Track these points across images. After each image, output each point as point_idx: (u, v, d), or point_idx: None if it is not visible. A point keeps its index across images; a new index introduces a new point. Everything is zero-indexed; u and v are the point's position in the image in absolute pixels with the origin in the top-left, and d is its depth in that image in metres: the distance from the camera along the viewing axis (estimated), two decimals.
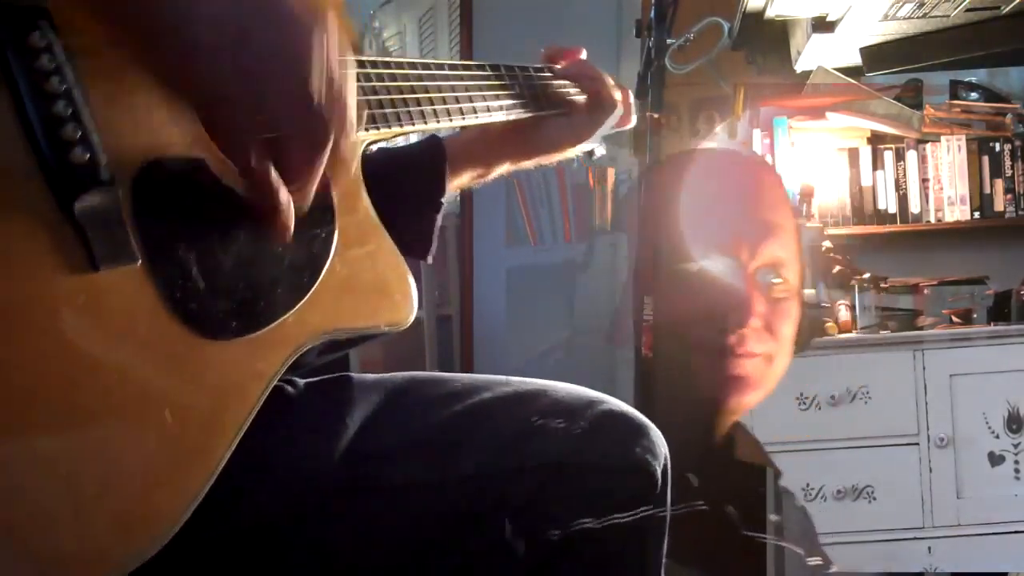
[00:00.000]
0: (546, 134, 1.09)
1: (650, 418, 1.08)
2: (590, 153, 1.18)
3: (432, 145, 1.07)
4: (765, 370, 1.12)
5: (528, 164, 1.14)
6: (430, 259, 1.02)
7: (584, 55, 1.17)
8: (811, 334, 1.57)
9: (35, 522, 0.53)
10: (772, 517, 1.09)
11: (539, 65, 1.12)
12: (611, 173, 1.17)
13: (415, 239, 0.92)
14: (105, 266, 0.58)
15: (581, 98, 1.12)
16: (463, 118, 0.94)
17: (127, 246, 0.60)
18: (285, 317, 0.68)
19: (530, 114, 1.06)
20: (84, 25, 0.61)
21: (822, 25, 1.62)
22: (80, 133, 0.58)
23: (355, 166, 0.81)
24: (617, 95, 1.14)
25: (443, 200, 1.04)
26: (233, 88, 0.59)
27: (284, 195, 0.65)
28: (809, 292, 2.50)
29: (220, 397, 0.63)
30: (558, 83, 1.12)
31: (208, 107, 0.61)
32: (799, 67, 1.81)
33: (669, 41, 2.00)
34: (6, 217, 0.55)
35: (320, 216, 0.74)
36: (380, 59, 0.84)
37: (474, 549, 0.72)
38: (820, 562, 1.19)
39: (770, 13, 1.67)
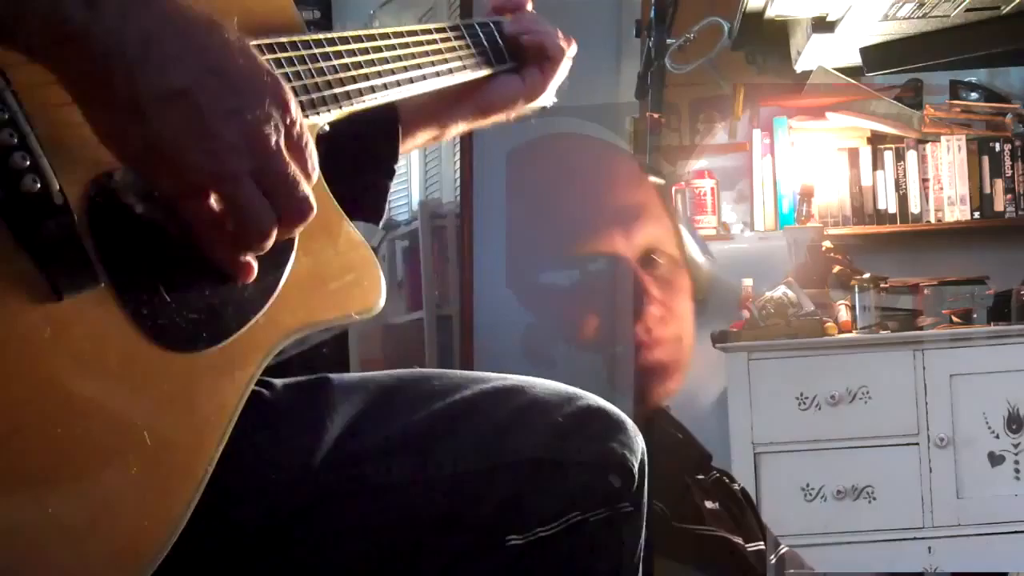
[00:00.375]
0: (500, 92, 1.08)
1: (650, 418, 1.08)
2: (543, 108, 1.17)
3: (384, 108, 1.06)
4: (680, 350, 1.15)
5: (484, 123, 1.12)
6: (381, 225, 1.01)
7: (530, 6, 1.15)
8: (708, 283, 1.57)
9: (24, 553, 0.52)
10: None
11: (488, 19, 1.10)
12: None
13: (368, 205, 0.92)
14: (68, 294, 0.57)
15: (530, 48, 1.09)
16: (415, 87, 0.91)
17: (88, 269, 0.58)
18: (255, 319, 0.67)
19: (482, 72, 1.03)
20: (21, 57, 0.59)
21: (822, 25, 1.62)
22: (29, 161, 0.56)
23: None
24: (565, 46, 1.13)
25: (395, 166, 1.03)
26: (173, 150, 0.58)
27: (237, 245, 0.63)
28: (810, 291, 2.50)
29: (198, 410, 0.62)
30: (506, 37, 1.09)
31: (154, 167, 0.59)
32: (799, 67, 1.81)
33: (669, 41, 2.00)
34: None
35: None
36: (322, 36, 0.80)
37: (455, 548, 0.72)
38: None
39: (770, 13, 1.67)
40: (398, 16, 3.50)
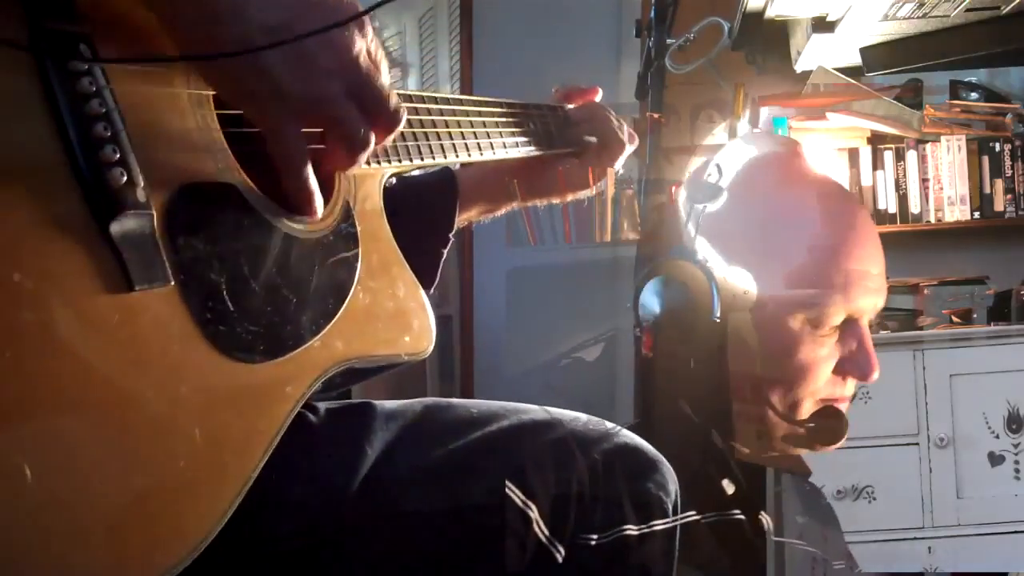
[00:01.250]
0: (556, 176, 1.11)
1: (650, 418, 1.07)
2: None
3: (445, 179, 1.08)
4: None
5: (537, 202, 1.16)
6: (432, 291, 1.03)
7: (599, 96, 1.18)
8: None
9: (71, 534, 0.53)
10: (765, 517, 1.07)
11: (552, 104, 1.14)
12: (610, 173, 1.19)
13: (421, 270, 0.94)
14: (140, 287, 0.59)
15: (591, 140, 1.13)
16: (480, 154, 0.96)
17: (161, 268, 0.61)
18: (311, 342, 0.69)
19: (542, 152, 1.07)
20: (124, 48, 0.62)
21: (822, 25, 1.62)
22: (119, 155, 0.59)
23: (377, 196, 0.82)
24: (624, 136, 1.17)
25: (451, 236, 1.05)
26: (278, 78, 0.62)
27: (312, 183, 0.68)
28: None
29: (247, 418, 0.64)
30: (570, 124, 1.13)
31: (253, 95, 0.63)
32: (799, 67, 1.81)
33: (669, 41, 2.00)
34: (46, 236, 0.56)
35: (345, 244, 0.75)
36: (401, 92, 0.85)
37: None
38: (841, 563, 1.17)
39: (770, 13, 1.67)
40: (397, 16, 3.51)
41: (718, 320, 1.05)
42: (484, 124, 0.98)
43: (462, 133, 0.93)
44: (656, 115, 1.99)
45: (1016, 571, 2.30)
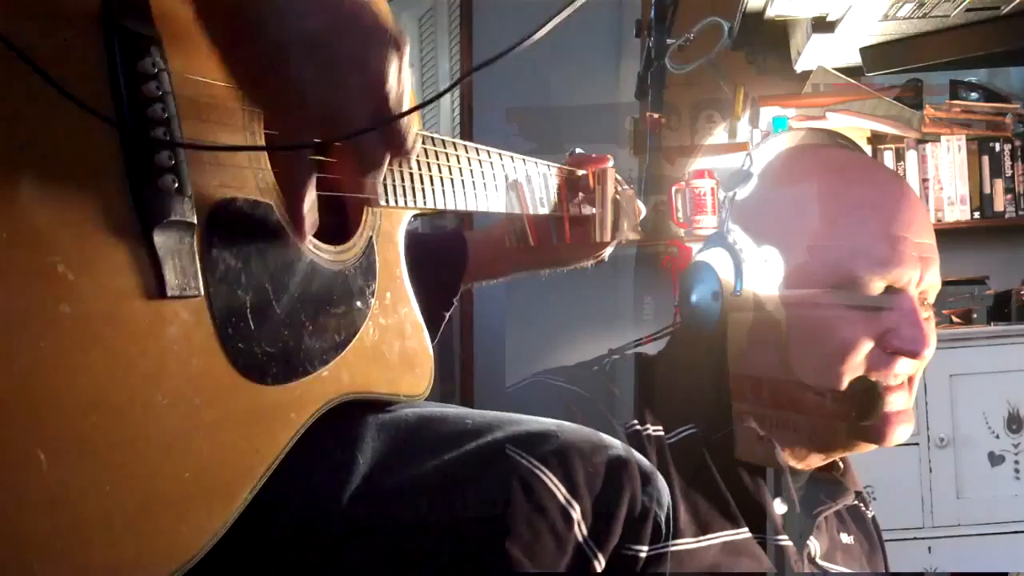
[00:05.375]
0: (563, 244, 1.12)
1: (649, 418, 1.07)
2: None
3: (455, 243, 1.08)
4: (910, 397, 1.05)
5: (541, 270, 1.17)
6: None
7: (610, 163, 1.18)
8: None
9: (73, 530, 0.53)
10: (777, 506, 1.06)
11: (566, 167, 1.14)
12: (611, 172, 1.18)
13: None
14: (172, 295, 0.59)
15: (593, 211, 1.14)
16: (503, 206, 0.98)
17: (194, 278, 0.61)
18: (320, 371, 0.70)
19: (555, 214, 1.08)
20: (193, 53, 0.62)
21: (822, 25, 1.62)
22: (173, 162, 0.59)
23: (398, 235, 0.83)
24: (630, 210, 1.18)
25: (455, 300, 1.05)
26: (305, 88, 0.61)
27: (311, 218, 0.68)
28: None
29: (254, 438, 0.64)
30: (580, 190, 1.14)
31: (276, 100, 0.63)
32: (799, 67, 1.81)
33: (669, 41, 2.00)
34: (92, 231, 0.56)
35: (364, 278, 0.76)
36: (425, 134, 0.87)
37: None
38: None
39: (770, 13, 1.67)
40: (397, 16, 3.50)
41: (739, 295, 1.03)
42: (528, 178, 1.00)
43: (484, 184, 0.95)
44: (656, 115, 2.00)
45: (1016, 571, 2.30)
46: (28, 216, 0.52)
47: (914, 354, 1.01)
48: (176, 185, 0.59)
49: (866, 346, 1.01)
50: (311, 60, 0.60)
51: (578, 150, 1.19)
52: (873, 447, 1.05)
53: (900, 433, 1.03)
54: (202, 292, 0.61)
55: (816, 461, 1.10)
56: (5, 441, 0.50)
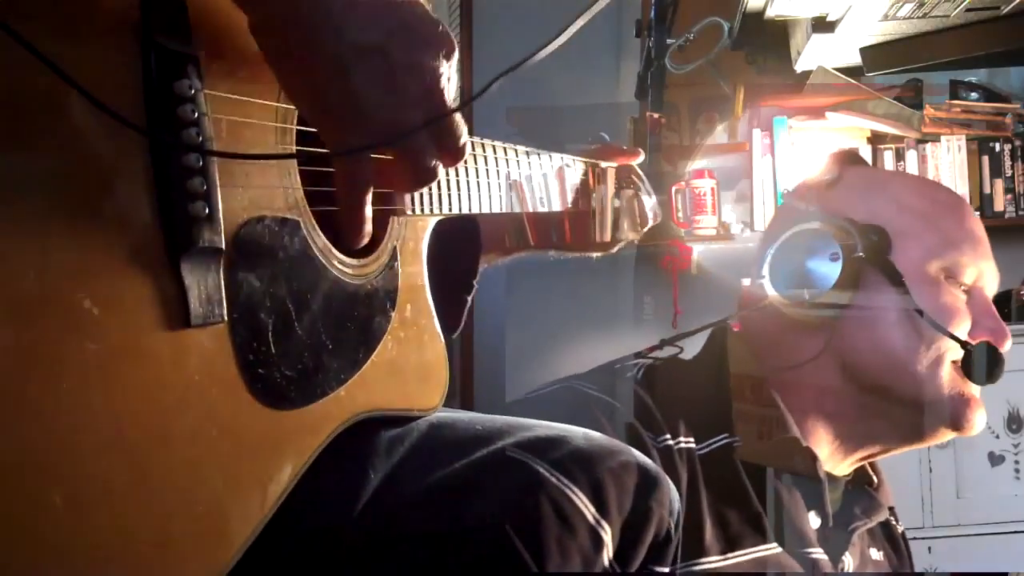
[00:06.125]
0: (578, 230, 1.11)
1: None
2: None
3: (468, 228, 1.07)
4: None
5: (551, 253, 1.16)
6: (455, 335, 1.03)
7: (640, 159, 1.17)
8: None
9: (86, 560, 0.52)
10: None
11: (590, 160, 1.13)
12: (611, 173, 1.17)
13: (447, 318, 0.93)
14: (196, 324, 0.57)
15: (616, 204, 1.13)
16: (524, 206, 0.97)
17: (219, 305, 0.59)
18: (337, 392, 0.68)
19: (571, 209, 1.07)
20: (230, 73, 0.61)
21: (822, 25, 1.62)
22: (205, 188, 0.58)
23: (422, 244, 0.82)
24: (648, 209, 1.17)
25: (475, 283, 1.05)
26: (364, 99, 0.60)
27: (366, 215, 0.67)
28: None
29: (269, 471, 0.63)
30: (600, 183, 1.13)
31: (332, 112, 0.62)
32: (799, 67, 1.81)
33: (669, 41, 2.00)
34: (117, 260, 0.54)
35: (385, 291, 0.75)
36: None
37: None
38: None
39: (770, 13, 1.67)
40: None
41: (861, 256, 1.05)
42: (531, 178, 0.98)
43: (510, 185, 0.94)
44: (656, 115, 2.00)
45: (1016, 571, 2.30)
46: (56, 251, 0.51)
47: (999, 343, 1.08)
48: (206, 212, 0.58)
49: (966, 326, 1.08)
50: (367, 68, 0.60)
51: (604, 135, 1.18)
52: (952, 435, 1.10)
53: (981, 419, 1.08)
54: (226, 318, 0.59)
55: (854, 463, 1.13)
56: (21, 486, 0.49)
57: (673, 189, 2.57)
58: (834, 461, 1.10)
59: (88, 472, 0.52)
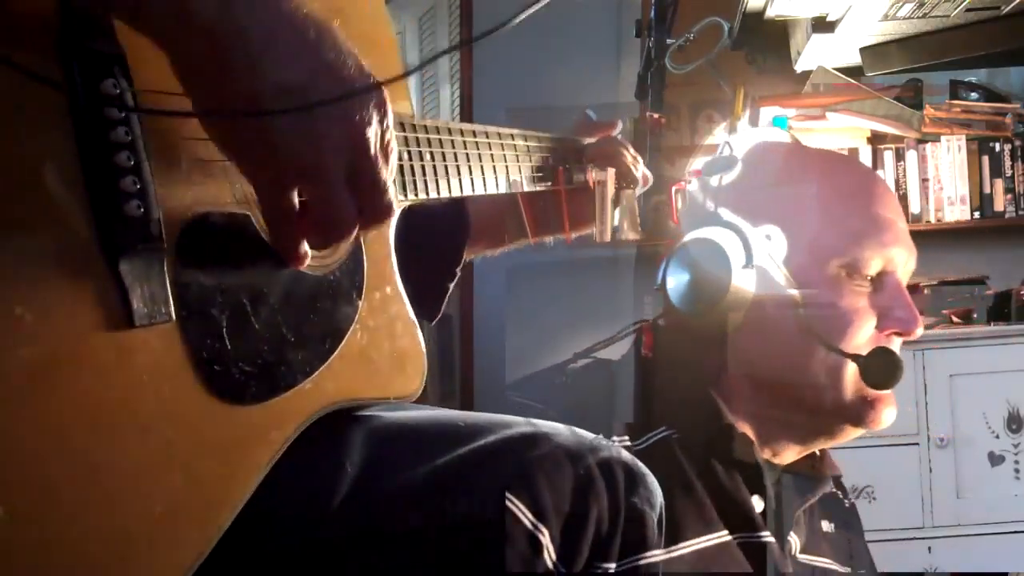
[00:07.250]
0: (569, 210, 1.10)
1: (649, 418, 1.07)
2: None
3: (456, 213, 1.05)
4: None
5: (546, 238, 1.15)
6: (434, 323, 1.01)
7: (618, 129, 1.16)
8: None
9: (36, 569, 0.52)
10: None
11: (568, 137, 1.12)
12: (611, 173, 1.17)
13: (425, 304, 0.91)
14: (141, 323, 0.57)
15: (602, 176, 1.12)
16: (497, 187, 0.95)
17: (164, 304, 0.58)
18: (303, 384, 0.67)
19: (554, 187, 1.06)
20: (158, 74, 0.60)
21: (822, 25, 1.62)
22: (138, 186, 0.57)
23: (388, 231, 0.80)
24: (638, 174, 1.16)
25: (458, 270, 1.03)
26: (280, 141, 0.59)
27: (303, 248, 0.65)
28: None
29: (231, 463, 0.62)
30: (584, 158, 1.12)
31: (247, 152, 0.60)
32: (799, 67, 1.81)
33: (669, 41, 2.00)
34: (53, 265, 0.53)
35: (350, 281, 0.73)
36: (417, 122, 0.84)
37: None
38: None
39: (770, 13, 1.67)
40: (397, 16, 3.51)
41: (753, 268, 1.02)
42: (504, 157, 0.96)
43: (482, 168, 0.92)
44: (656, 115, 1.99)
45: (1016, 571, 2.30)
46: None
47: (908, 333, 1.04)
48: (142, 211, 0.57)
49: (867, 327, 1.04)
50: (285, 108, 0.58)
51: (590, 112, 1.18)
52: (860, 432, 1.08)
53: (888, 415, 1.06)
54: (173, 317, 0.59)
55: (791, 456, 1.11)
56: None
57: (673, 189, 2.56)
58: (768, 455, 1.10)
59: (31, 481, 0.51)
